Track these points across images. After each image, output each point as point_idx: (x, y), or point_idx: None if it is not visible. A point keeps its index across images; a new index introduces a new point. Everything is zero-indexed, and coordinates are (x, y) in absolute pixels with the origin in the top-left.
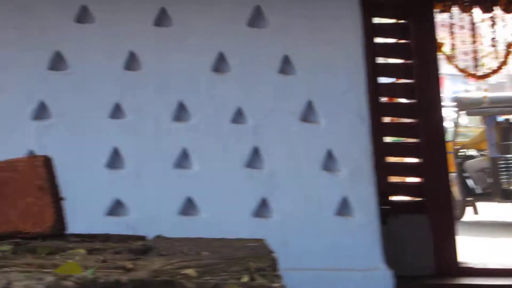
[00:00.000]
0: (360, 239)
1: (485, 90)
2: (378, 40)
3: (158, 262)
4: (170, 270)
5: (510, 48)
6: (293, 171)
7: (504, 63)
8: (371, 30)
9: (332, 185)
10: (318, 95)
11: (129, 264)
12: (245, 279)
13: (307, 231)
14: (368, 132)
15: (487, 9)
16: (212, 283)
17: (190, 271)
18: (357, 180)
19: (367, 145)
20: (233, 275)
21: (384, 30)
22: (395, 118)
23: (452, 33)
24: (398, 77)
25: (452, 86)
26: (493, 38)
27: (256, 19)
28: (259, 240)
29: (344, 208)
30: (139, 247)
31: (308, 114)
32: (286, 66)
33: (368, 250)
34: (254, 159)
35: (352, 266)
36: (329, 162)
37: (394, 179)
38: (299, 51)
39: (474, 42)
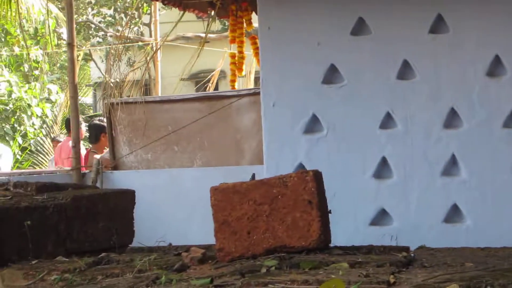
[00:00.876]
0: None
1: None
2: None
3: (420, 275)
4: (433, 284)
5: None
6: None
7: None
8: None
9: None
10: None
11: (391, 278)
12: None
13: None
14: None
15: None
16: None
17: (454, 286)
18: None
19: None
20: None
21: None
22: None
23: None
24: None
25: None
26: None
27: None
28: None
29: None
30: (401, 259)
31: None
32: None
33: None
34: None
35: None
36: None
37: None
38: None
39: None
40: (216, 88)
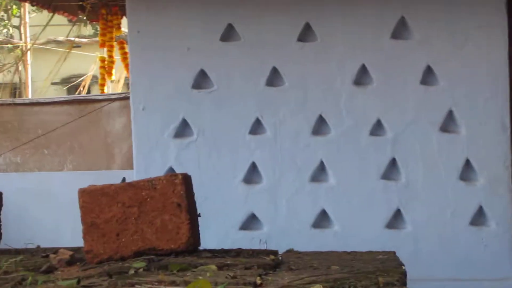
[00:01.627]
0: (493, 249)
1: None
2: None
3: (287, 277)
4: (299, 286)
5: None
6: (429, 181)
7: None
8: None
9: (469, 194)
10: (460, 104)
11: (258, 280)
12: None
13: (440, 241)
14: (509, 139)
15: None
16: None
17: (318, 287)
18: (494, 189)
19: (507, 153)
20: None
21: None
22: None
23: None
24: None
25: None
26: None
27: (400, 30)
28: (390, 253)
29: (479, 218)
30: (269, 262)
31: (448, 124)
32: (428, 76)
33: (500, 260)
34: (391, 170)
35: (483, 276)
36: (467, 171)
37: None
38: (443, 61)
39: None
40: (88, 93)
